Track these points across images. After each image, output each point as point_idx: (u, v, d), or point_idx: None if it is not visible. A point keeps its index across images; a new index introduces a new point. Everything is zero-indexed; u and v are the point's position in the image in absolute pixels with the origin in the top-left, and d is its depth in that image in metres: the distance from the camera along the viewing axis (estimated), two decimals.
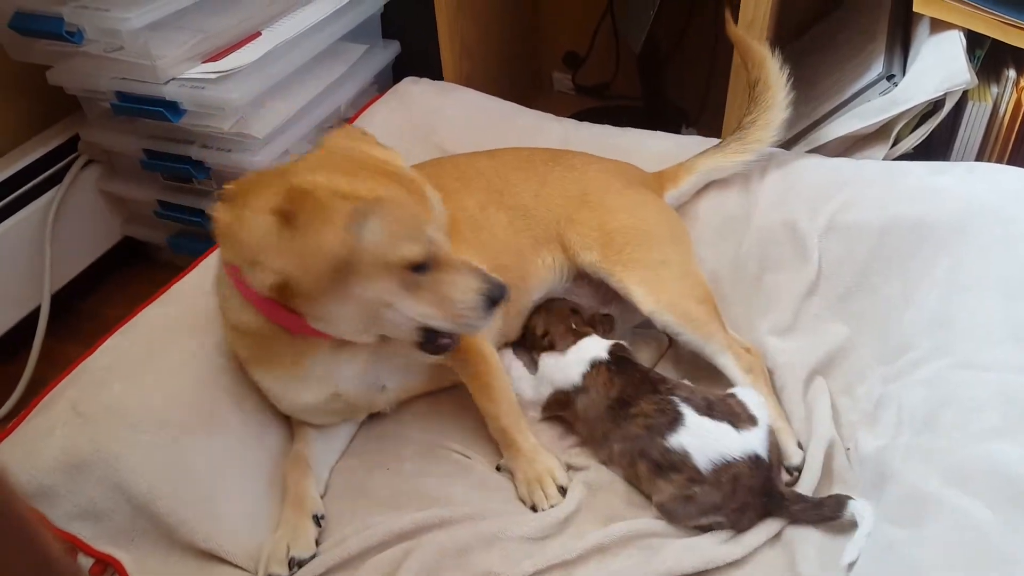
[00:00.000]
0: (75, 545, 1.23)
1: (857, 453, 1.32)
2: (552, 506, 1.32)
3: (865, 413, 1.38)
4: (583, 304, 1.59)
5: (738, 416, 1.30)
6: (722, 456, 1.25)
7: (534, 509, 1.33)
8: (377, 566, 1.23)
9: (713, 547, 1.22)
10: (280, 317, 1.21)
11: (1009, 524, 1.03)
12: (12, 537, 0.68)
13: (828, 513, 1.22)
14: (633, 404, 1.35)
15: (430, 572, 1.21)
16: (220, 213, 1.19)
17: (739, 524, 1.25)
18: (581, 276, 1.60)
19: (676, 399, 1.32)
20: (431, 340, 1.24)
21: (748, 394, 1.36)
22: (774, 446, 1.30)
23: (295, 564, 1.24)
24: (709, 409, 1.31)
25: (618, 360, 1.43)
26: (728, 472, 1.24)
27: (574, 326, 1.51)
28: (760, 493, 1.24)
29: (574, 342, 1.47)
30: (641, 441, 1.31)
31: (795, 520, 1.25)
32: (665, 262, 1.52)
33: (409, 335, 1.23)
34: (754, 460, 1.25)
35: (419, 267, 1.17)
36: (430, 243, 1.18)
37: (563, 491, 1.34)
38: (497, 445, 1.43)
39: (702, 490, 1.24)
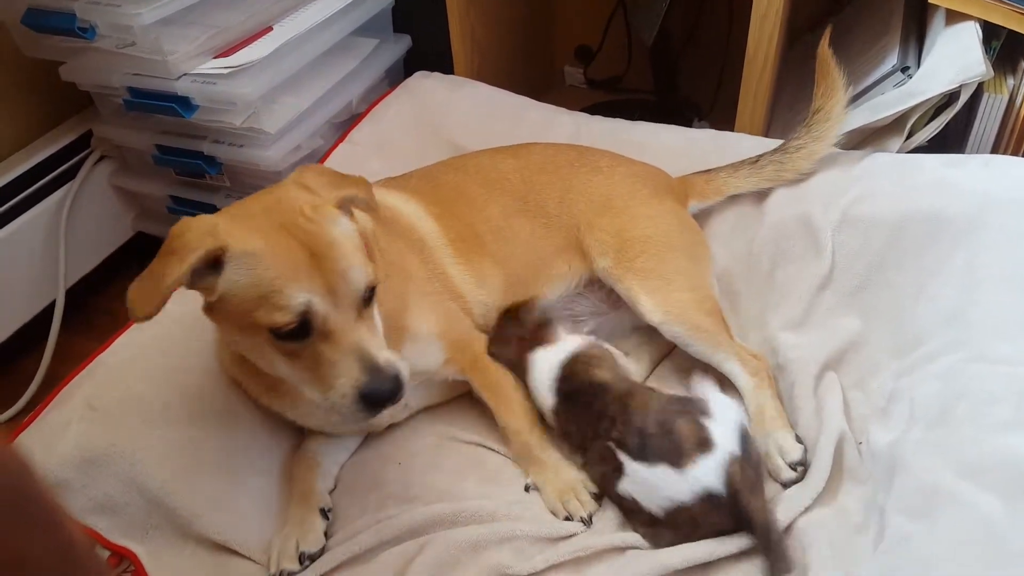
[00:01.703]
0: (91, 538, 1.25)
1: (869, 447, 1.31)
2: (590, 514, 1.30)
3: (877, 407, 1.36)
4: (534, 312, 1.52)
5: (680, 449, 1.19)
6: (670, 500, 1.19)
7: (568, 519, 1.30)
8: (390, 560, 1.24)
9: (722, 539, 1.21)
10: None
11: (1022, 518, 1.02)
12: (37, 522, 0.68)
13: (775, 565, 1.16)
14: (587, 450, 1.32)
15: (443, 567, 1.21)
16: None
17: (721, 534, 1.21)
18: (594, 281, 1.59)
19: (612, 445, 1.26)
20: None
21: (720, 405, 1.27)
22: (736, 472, 1.18)
23: (305, 558, 1.25)
24: (642, 450, 1.22)
25: (566, 398, 1.36)
26: (683, 514, 1.19)
27: (523, 339, 1.43)
28: (725, 519, 1.19)
29: (527, 368, 1.40)
30: (602, 486, 1.31)
31: (758, 545, 1.18)
32: (677, 274, 1.50)
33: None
34: (706, 498, 1.17)
35: (287, 335, 1.09)
36: (301, 312, 1.07)
37: (597, 498, 1.33)
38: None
39: (665, 532, 1.22)
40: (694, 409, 1.26)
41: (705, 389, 1.33)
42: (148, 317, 1.07)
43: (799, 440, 1.35)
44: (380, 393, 1.10)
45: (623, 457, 1.24)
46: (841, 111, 1.57)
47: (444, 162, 1.69)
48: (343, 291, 1.10)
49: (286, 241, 1.09)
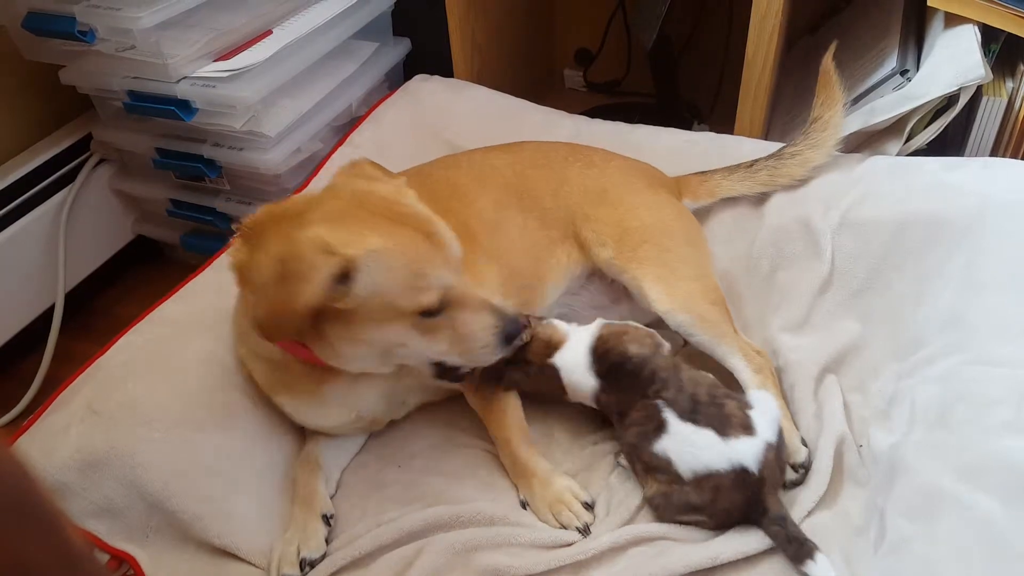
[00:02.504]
0: (91, 542, 1.24)
1: (869, 450, 1.31)
2: (587, 524, 1.29)
3: (878, 410, 1.37)
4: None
5: (728, 421, 1.24)
6: (705, 466, 1.21)
7: (563, 528, 1.30)
8: (388, 564, 1.23)
9: (723, 543, 1.21)
10: (294, 348, 1.22)
11: (1022, 520, 1.02)
12: (36, 526, 0.68)
13: (791, 552, 1.17)
14: (628, 414, 1.33)
15: (441, 570, 1.21)
16: (237, 252, 1.18)
17: (723, 525, 1.24)
18: (594, 274, 1.59)
19: (660, 403, 1.28)
20: (450, 370, 1.26)
21: (761, 399, 1.31)
22: (770, 462, 1.22)
23: (306, 564, 1.24)
24: (693, 413, 1.26)
25: (608, 374, 1.37)
26: (710, 481, 1.21)
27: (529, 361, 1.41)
28: (744, 502, 1.21)
29: (556, 373, 1.39)
30: (634, 448, 1.31)
31: (770, 536, 1.20)
32: (681, 263, 1.50)
33: (424, 367, 1.26)
34: (740, 472, 1.20)
35: (432, 312, 1.17)
36: (442, 287, 1.16)
37: (587, 506, 1.32)
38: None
39: (682, 491, 1.23)
40: (739, 398, 1.30)
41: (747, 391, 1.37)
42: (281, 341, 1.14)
43: (804, 443, 1.35)
44: (514, 329, 1.23)
45: (670, 415, 1.26)
46: (839, 122, 1.58)
47: (436, 160, 1.70)
48: (454, 261, 1.20)
49: (402, 230, 1.15)
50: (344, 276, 1.09)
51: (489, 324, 1.22)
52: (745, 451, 1.21)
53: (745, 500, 1.21)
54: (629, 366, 1.35)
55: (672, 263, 1.49)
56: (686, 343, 1.55)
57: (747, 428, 1.24)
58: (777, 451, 1.25)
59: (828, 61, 1.58)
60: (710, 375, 1.37)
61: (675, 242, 1.52)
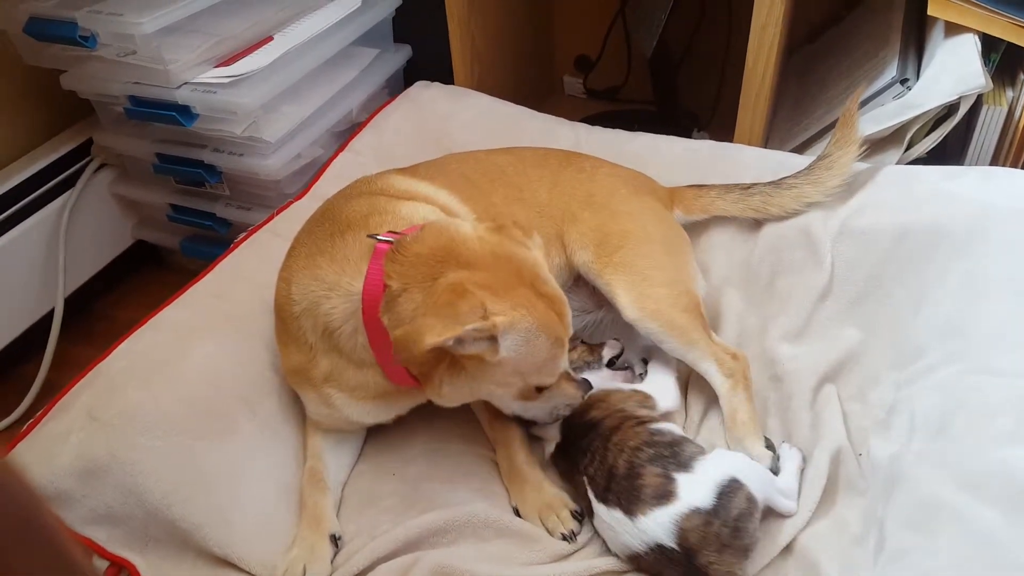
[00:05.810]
0: (90, 548, 1.24)
1: (869, 459, 1.31)
2: (572, 531, 1.29)
3: (877, 419, 1.36)
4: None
5: (638, 496, 1.17)
6: (627, 547, 1.19)
7: (549, 533, 1.30)
8: (386, 574, 1.23)
9: None
10: (396, 375, 1.23)
11: (1023, 531, 1.02)
12: (35, 541, 0.68)
13: None
14: (574, 483, 1.33)
15: None
16: (393, 278, 1.17)
17: None
18: (580, 278, 1.60)
19: (585, 480, 1.27)
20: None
21: (719, 455, 1.25)
22: (696, 527, 1.13)
23: None
24: (606, 492, 1.22)
25: (566, 432, 1.37)
26: (641, 563, 1.19)
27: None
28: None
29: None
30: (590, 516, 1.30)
31: None
32: (655, 270, 1.50)
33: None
34: (657, 550, 1.15)
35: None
36: (560, 372, 1.25)
37: (576, 517, 1.32)
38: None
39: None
40: (675, 455, 1.23)
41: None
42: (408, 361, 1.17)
43: (770, 446, 1.36)
44: (583, 397, 1.34)
45: (591, 495, 1.25)
46: (847, 164, 1.56)
47: (446, 156, 1.72)
48: (568, 342, 1.26)
49: (546, 311, 1.19)
50: (488, 339, 1.12)
51: (567, 396, 1.31)
52: (655, 527, 1.15)
53: (680, 574, 1.15)
54: (577, 431, 1.35)
55: (646, 270, 1.49)
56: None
57: (662, 497, 1.16)
58: (714, 512, 1.14)
59: (853, 104, 1.57)
60: (650, 427, 1.30)
61: (652, 249, 1.53)
